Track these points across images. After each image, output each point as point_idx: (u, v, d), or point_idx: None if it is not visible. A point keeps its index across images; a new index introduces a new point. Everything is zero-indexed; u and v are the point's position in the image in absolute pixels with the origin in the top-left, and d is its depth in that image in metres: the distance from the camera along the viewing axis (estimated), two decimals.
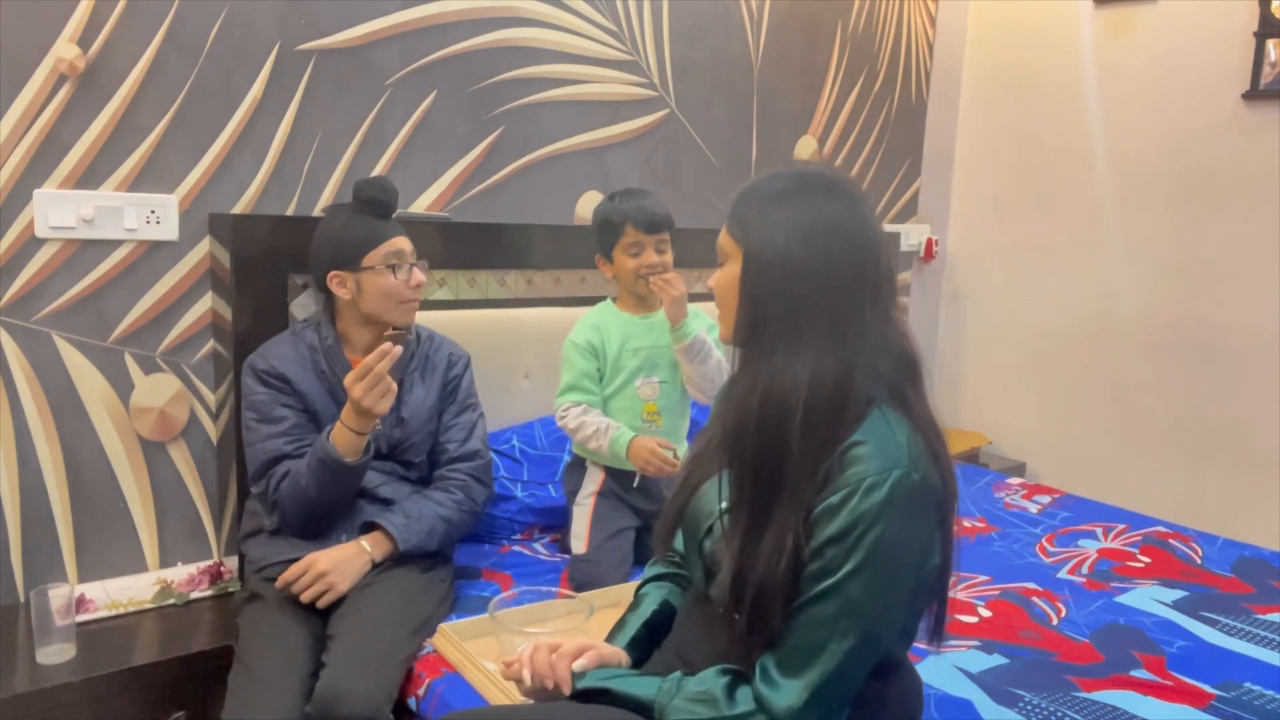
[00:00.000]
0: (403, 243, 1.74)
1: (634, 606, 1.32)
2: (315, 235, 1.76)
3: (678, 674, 1.11)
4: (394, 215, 1.79)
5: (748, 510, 1.08)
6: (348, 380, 1.59)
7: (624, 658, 1.22)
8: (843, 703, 1.04)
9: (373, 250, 1.71)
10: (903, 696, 1.16)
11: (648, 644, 1.27)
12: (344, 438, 1.63)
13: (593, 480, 1.99)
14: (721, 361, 1.95)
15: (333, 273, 1.72)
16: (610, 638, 1.28)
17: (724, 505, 1.14)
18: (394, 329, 1.72)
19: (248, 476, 1.73)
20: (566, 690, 1.15)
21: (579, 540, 1.94)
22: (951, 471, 1.09)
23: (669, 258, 1.96)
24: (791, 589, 1.02)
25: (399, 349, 1.59)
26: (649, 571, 1.37)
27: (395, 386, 1.62)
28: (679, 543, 1.29)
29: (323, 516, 1.70)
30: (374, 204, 1.73)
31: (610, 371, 1.97)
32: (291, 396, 1.72)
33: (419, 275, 1.75)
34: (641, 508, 1.97)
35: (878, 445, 1.02)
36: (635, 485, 1.95)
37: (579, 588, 1.82)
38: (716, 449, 1.15)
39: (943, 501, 1.06)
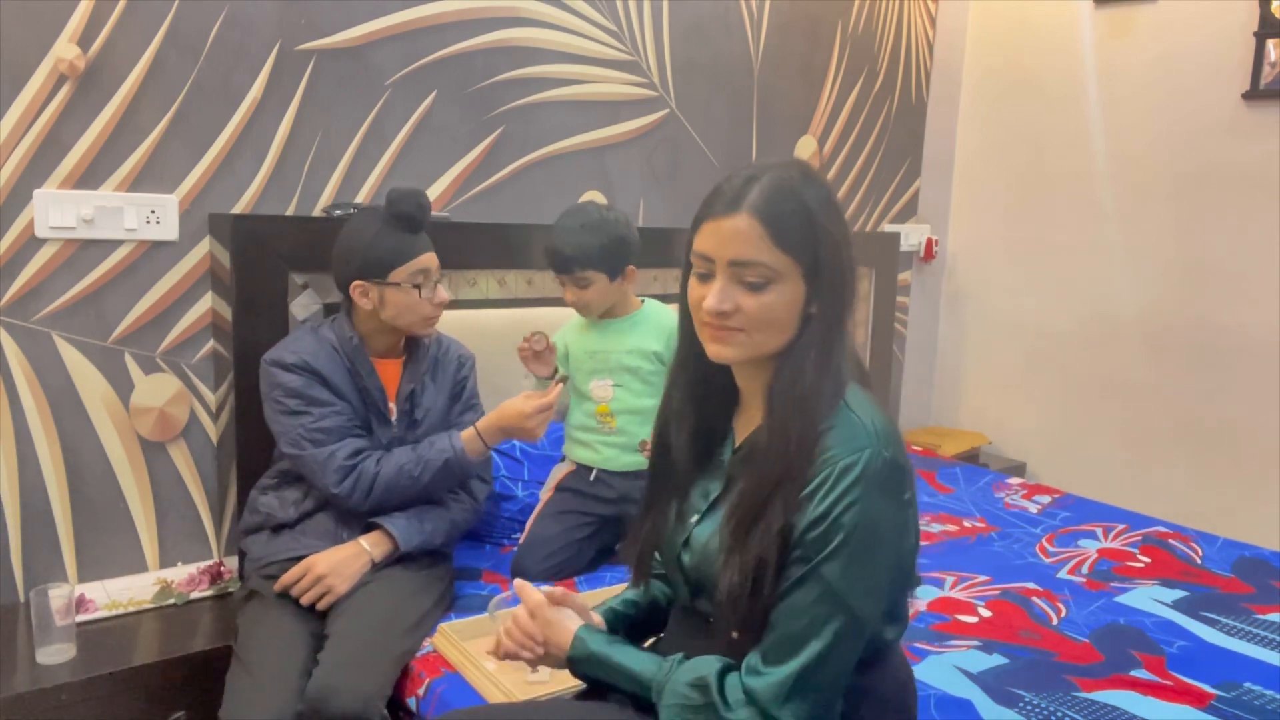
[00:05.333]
0: (430, 260, 1.74)
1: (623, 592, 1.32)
2: (342, 239, 1.74)
3: (679, 655, 1.10)
4: None
5: (745, 522, 1.05)
6: (530, 409, 1.70)
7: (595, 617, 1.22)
8: (832, 690, 1.03)
9: (400, 267, 1.70)
10: (896, 686, 1.15)
11: (625, 619, 1.26)
12: (475, 446, 1.72)
13: (557, 473, 2.08)
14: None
15: (357, 282, 1.71)
16: (598, 606, 1.27)
17: (695, 519, 1.14)
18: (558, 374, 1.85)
19: (302, 450, 1.66)
20: (561, 639, 1.15)
21: (525, 531, 2.01)
22: (904, 446, 1.09)
23: (588, 293, 1.93)
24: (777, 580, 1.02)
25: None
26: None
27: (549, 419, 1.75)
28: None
29: (407, 501, 1.73)
30: (407, 219, 1.71)
31: (573, 371, 2.05)
32: (324, 390, 1.70)
33: (443, 294, 1.76)
34: (601, 496, 1.99)
35: (846, 428, 1.02)
36: (592, 479, 2.01)
37: (511, 575, 1.90)
38: (682, 463, 1.16)
39: (911, 479, 1.06)
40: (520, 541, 2.00)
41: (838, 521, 0.99)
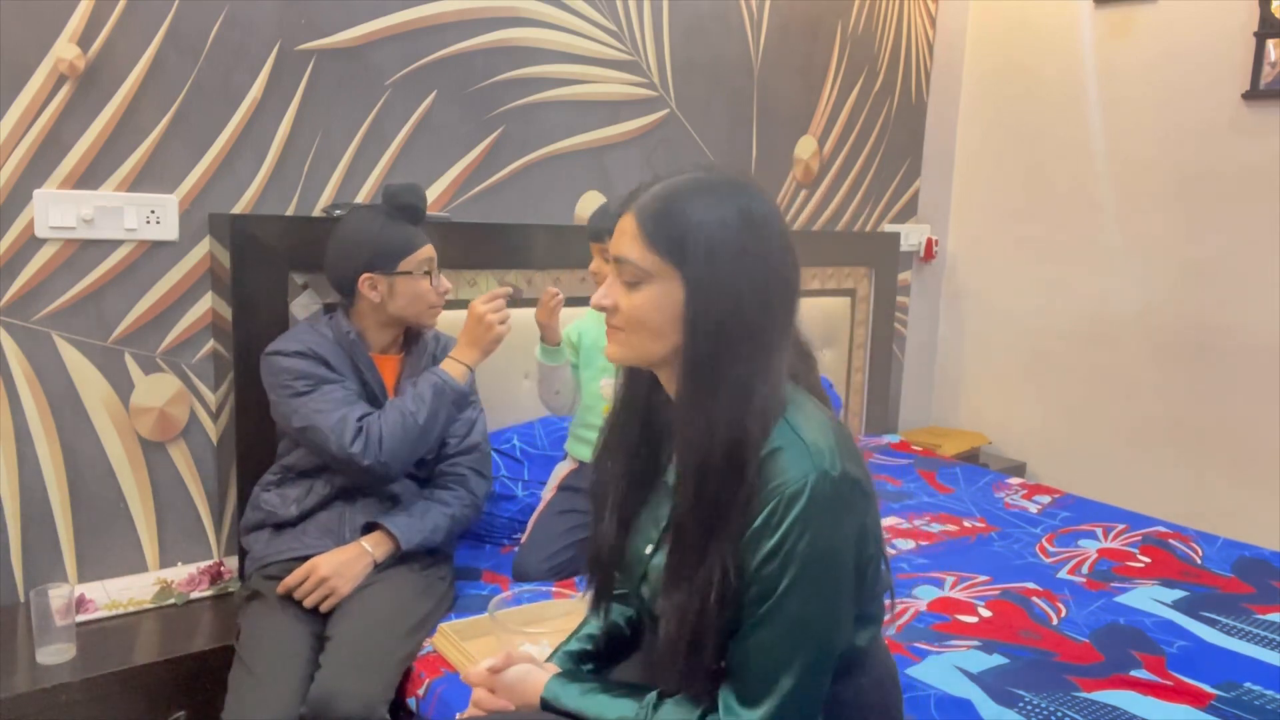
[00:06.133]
0: (433, 250, 1.79)
1: (578, 628, 1.28)
2: (342, 236, 1.76)
3: (653, 696, 1.08)
4: None
5: (686, 552, 1.02)
6: (480, 309, 1.71)
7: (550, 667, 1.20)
8: (811, 716, 1.02)
9: (409, 256, 1.74)
10: (878, 687, 1.14)
11: (589, 656, 1.24)
12: (456, 369, 1.73)
13: (560, 472, 2.09)
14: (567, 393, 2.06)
15: (366, 275, 1.72)
16: (551, 656, 1.25)
17: (649, 549, 1.12)
18: (507, 283, 1.78)
19: (315, 422, 1.65)
20: (529, 698, 1.14)
21: (527, 530, 2.02)
22: (858, 450, 1.06)
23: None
24: (723, 619, 1.00)
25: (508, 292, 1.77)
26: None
27: (510, 317, 1.75)
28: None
29: (422, 448, 1.72)
30: (409, 210, 1.76)
31: (582, 366, 2.06)
32: (329, 371, 1.72)
33: (446, 282, 1.81)
34: None
35: (792, 453, 0.98)
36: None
37: (513, 578, 1.91)
38: (628, 490, 1.14)
39: (867, 486, 1.03)
40: (522, 541, 2.00)
41: (791, 554, 0.96)
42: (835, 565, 0.99)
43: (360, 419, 1.66)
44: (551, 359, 2.01)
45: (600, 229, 1.92)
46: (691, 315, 1.01)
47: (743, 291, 1.00)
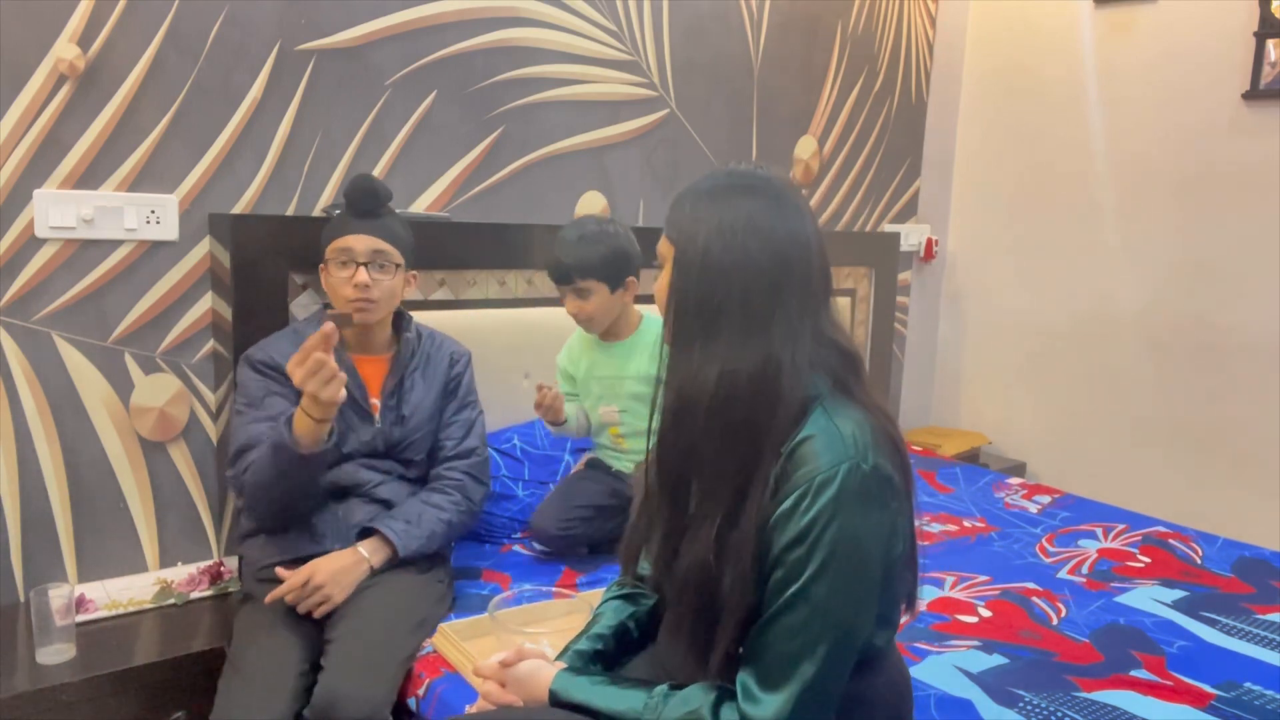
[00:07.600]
0: (356, 241, 1.70)
1: (587, 627, 1.28)
2: None
3: (663, 687, 1.08)
4: (396, 213, 1.80)
5: (669, 511, 1.09)
6: (290, 364, 1.47)
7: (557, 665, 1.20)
8: (828, 705, 1.02)
9: (331, 244, 1.73)
10: (890, 688, 1.14)
11: (600, 656, 1.24)
12: (304, 425, 1.52)
13: (589, 455, 2.17)
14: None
15: (321, 264, 1.76)
16: (559, 655, 1.25)
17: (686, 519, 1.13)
18: (335, 311, 1.62)
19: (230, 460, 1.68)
20: (537, 693, 1.15)
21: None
22: (906, 455, 1.07)
23: (589, 304, 1.93)
24: (720, 593, 1.02)
25: (336, 333, 1.46)
26: (609, 590, 1.34)
27: (342, 374, 1.47)
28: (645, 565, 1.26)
29: (286, 507, 1.63)
30: (349, 202, 1.74)
31: (581, 393, 2.09)
32: (286, 388, 1.67)
33: (362, 276, 1.69)
34: (627, 488, 2.01)
35: (825, 441, 1.00)
36: (613, 471, 2.07)
37: (530, 526, 2.02)
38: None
39: (901, 486, 1.04)
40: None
41: (819, 540, 0.97)
42: (862, 556, 1.00)
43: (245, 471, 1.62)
44: (564, 431, 2.07)
45: (567, 269, 1.91)
46: (676, 289, 1.08)
47: (708, 276, 1.06)
